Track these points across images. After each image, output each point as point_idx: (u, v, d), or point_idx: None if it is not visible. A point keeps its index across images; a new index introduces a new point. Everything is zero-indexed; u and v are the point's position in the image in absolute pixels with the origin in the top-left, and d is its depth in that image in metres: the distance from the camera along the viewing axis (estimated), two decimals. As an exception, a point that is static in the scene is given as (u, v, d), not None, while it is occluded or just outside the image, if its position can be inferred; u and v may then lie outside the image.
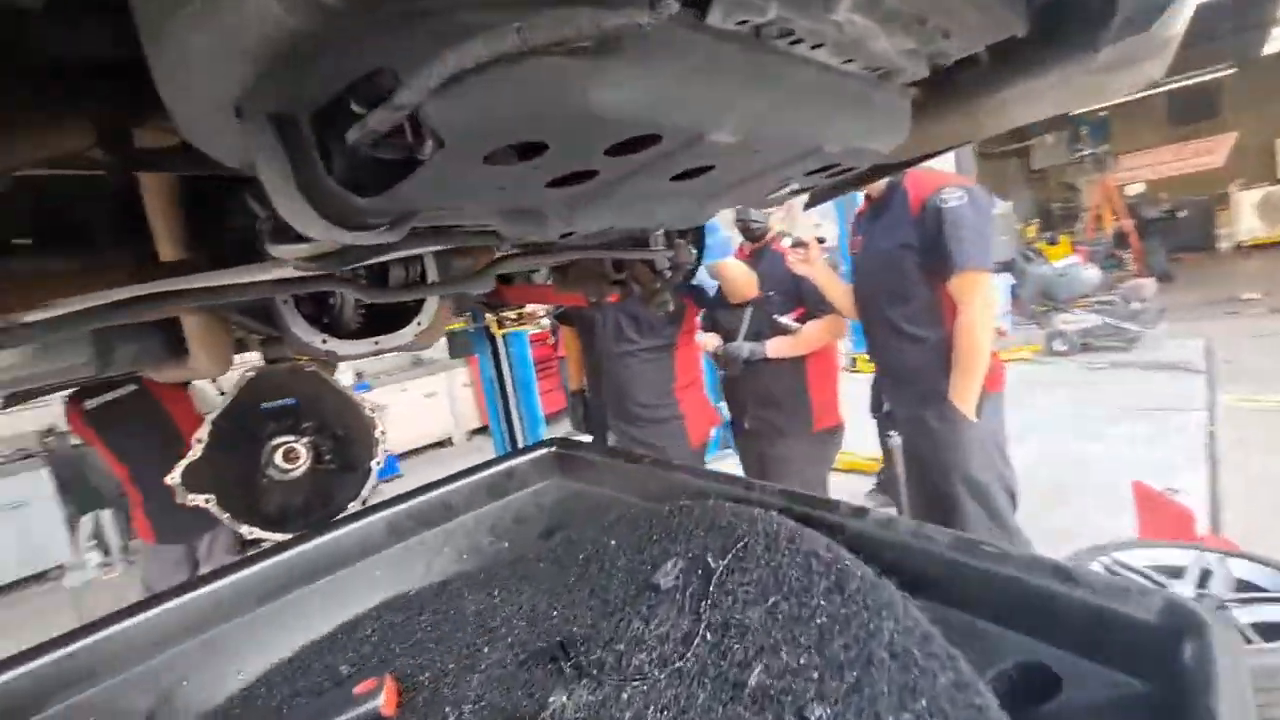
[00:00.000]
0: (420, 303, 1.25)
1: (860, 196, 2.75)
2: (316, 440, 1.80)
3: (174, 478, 1.44)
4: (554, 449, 1.40)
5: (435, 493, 1.13)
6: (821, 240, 2.68)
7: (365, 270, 1.01)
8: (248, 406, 1.66)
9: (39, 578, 5.20)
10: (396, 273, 1.05)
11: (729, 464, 3.44)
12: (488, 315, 2.81)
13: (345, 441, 1.85)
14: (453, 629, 0.86)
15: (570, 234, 0.76)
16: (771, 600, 0.68)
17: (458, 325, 3.27)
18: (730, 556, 0.74)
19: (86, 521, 4.93)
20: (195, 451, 1.50)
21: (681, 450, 2.66)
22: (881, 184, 2.33)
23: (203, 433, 1.53)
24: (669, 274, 1.65)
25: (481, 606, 0.89)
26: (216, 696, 0.83)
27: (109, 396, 2.51)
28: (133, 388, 2.49)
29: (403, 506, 1.08)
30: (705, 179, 0.70)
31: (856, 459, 4.28)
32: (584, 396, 2.88)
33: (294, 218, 0.48)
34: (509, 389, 4.03)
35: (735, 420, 2.83)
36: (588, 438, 3.01)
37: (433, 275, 1.13)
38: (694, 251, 1.49)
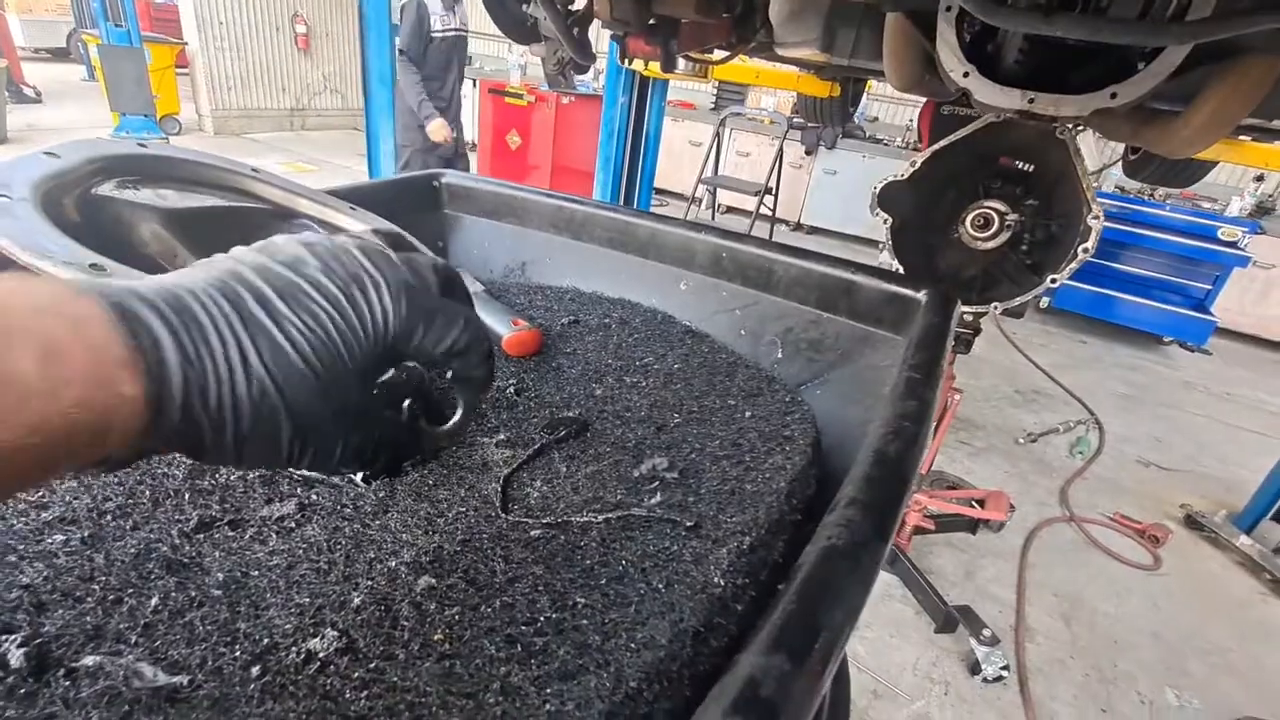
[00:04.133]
0: (1144, 59, 0.78)
1: None
2: (1027, 224, 1.57)
3: (875, 187, 1.55)
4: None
5: (781, 257, 0.92)
6: None
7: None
8: (980, 151, 1.53)
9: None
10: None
11: None
12: None
13: (1052, 241, 1.55)
14: (623, 361, 0.87)
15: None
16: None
17: None
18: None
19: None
20: (905, 171, 1.54)
21: None
22: None
23: (920, 157, 1.53)
24: None
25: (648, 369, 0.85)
26: (533, 277, 1.12)
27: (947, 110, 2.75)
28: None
29: (741, 246, 0.95)
30: None
31: None
32: None
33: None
34: None
35: None
36: None
37: (1202, 12, 0.66)
38: None
